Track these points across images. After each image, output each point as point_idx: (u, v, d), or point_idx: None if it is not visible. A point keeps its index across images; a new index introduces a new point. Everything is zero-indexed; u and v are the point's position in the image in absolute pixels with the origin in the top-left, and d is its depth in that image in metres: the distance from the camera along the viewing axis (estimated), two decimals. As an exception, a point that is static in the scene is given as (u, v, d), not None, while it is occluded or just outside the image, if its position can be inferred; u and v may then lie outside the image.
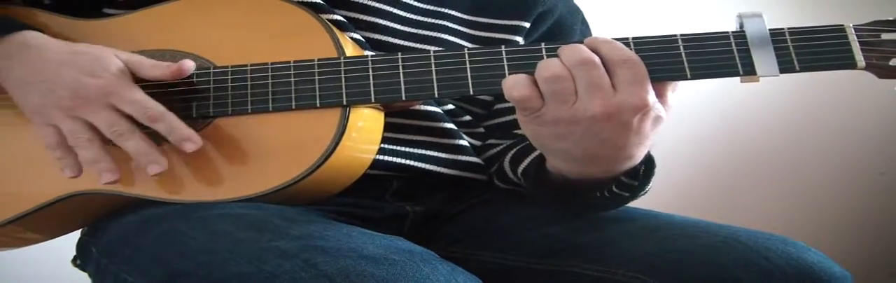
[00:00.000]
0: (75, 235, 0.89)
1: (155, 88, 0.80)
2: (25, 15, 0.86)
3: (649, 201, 0.82)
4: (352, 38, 0.84)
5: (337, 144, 0.74)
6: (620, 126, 0.67)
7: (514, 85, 0.67)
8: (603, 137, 0.67)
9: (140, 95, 0.74)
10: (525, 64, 0.72)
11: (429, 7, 0.92)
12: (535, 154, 0.81)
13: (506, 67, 0.73)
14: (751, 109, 2.02)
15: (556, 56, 0.68)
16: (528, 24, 0.95)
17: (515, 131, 0.92)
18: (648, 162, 0.75)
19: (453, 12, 0.93)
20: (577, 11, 1.02)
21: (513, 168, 0.86)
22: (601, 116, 0.65)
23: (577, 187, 0.78)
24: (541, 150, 0.76)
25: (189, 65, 0.77)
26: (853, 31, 0.70)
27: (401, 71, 0.75)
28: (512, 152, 0.87)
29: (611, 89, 0.66)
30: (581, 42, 0.69)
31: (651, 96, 0.66)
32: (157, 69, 0.77)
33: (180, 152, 0.75)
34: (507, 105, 0.93)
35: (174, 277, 0.63)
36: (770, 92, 1.93)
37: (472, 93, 0.74)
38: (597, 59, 0.66)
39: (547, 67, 0.67)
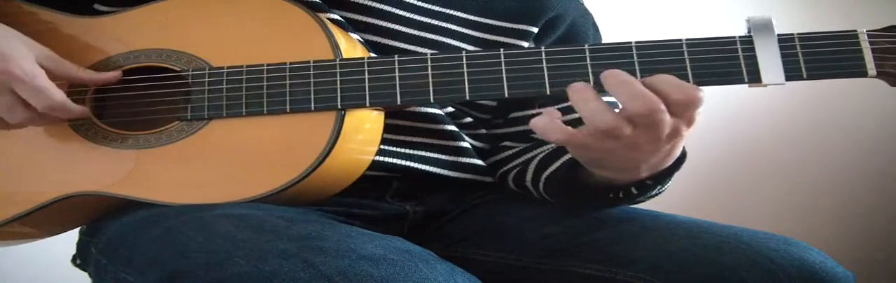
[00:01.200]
0: (75, 235, 0.89)
1: (151, 89, 0.79)
2: (13, 10, 0.85)
3: (651, 201, 0.82)
4: None
5: (331, 148, 0.73)
6: (678, 139, 0.68)
7: (545, 130, 0.66)
8: (664, 150, 0.69)
9: (43, 82, 0.75)
10: (524, 68, 0.71)
11: (434, 8, 0.89)
12: (563, 160, 0.80)
13: (504, 72, 0.71)
14: (753, 110, 2.01)
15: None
16: (535, 29, 0.92)
17: (533, 136, 0.91)
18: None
19: (460, 14, 0.90)
20: (587, 15, 1.00)
21: (537, 173, 0.85)
22: (664, 137, 0.67)
23: (611, 189, 0.77)
24: (588, 167, 0.75)
25: (111, 77, 0.79)
26: (866, 38, 0.67)
27: (397, 74, 0.74)
28: (538, 156, 0.86)
29: (670, 118, 0.66)
30: (583, 49, 0.69)
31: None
32: (83, 73, 0.78)
33: (176, 155, 0.74)
34: (523, 114, 0.92)
35: (173, 277, 0.63)
36: (772, 92, 1.90)
37: (468, 98, 0.72)
38: (664, 107, 0.64)
39: (604, 121, 0.64)
